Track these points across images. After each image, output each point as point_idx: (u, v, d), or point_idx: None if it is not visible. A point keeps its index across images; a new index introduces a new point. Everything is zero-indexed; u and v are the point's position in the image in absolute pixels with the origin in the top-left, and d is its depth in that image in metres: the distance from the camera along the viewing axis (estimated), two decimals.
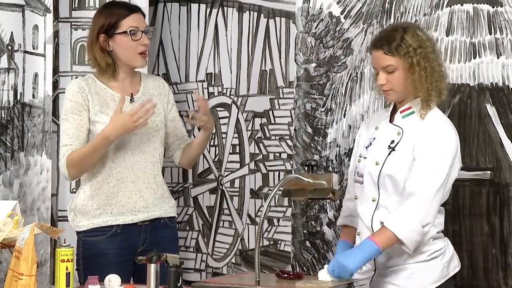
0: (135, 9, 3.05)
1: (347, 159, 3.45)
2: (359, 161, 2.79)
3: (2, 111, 3.63)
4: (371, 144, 2.78)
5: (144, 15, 3.10)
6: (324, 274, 2.60)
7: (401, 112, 2.74)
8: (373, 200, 2.72)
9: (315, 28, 3.54)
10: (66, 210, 3.17)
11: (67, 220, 3.16)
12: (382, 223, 2.65)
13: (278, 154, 3.74)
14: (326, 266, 2.62)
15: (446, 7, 3.24)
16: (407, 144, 2.69)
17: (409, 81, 2.67)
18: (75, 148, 2.96)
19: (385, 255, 2.71)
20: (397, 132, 2.72)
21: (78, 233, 3.06)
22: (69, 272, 2.57)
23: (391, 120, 2.77)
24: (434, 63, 2.70)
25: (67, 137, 2.97)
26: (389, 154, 2.70)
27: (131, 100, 3.04)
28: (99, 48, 3.01)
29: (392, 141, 2.71)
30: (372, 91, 3.39)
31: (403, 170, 2.67)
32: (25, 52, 3.72)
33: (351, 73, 3.47)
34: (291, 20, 3.69)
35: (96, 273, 2.60)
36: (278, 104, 3.75)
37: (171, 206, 3.15)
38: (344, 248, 2.79)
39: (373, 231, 2.69)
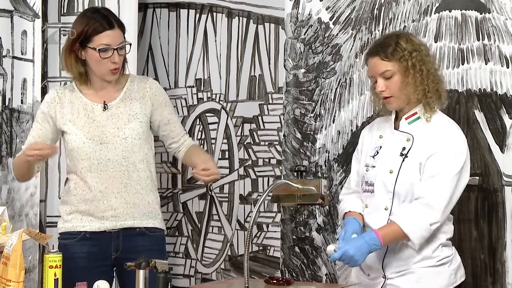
0: (112, 25, 2.98)
1: (336, 164, 3.46)
2: (367, 170, 2.77)
3: None
4: (377, 153, 2.77)
5: (123, 30, 3.02)
6: (331, 251, 2.60)
7: (406, 118, 2.74)
8: (385, 209, 2.72)
9: (304, 34, 3.55)
10: (55, 216, 3.18)
11: (56, 226, 3.17)
12: (389, 219, 2.66)
13: (267, 160, 3.74)
14: (334, 247, 2.59)
15: (434, 13, 3.25)
16: (419, 149, 2.69)
17: (406, 84, 2.69)
18: None
19: (395, 260, 2.71)
20: (406, 139, 2.72)
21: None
22: (58, 278, 2.57)
23: (396, 127, 2.77)
24: (430, 65, 2.72)
25: (26, 142, 3.11)
26: (402, 161, 2.69)
27: (104, 108, 3.05)
28: (73, 55, 3.01)
29: (404, 148, 2.71)
30: (361, 97, 3.40)
31: (418, 176, 2.67)
32: (14, 57, 3.71)
33: (340, 79, 3.47)
34: (280, 26, 3.70)
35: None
36: (267, 109, 3.75)
37: (151, 216, 3.08)
38: (355, 226, 2.73)
39: None
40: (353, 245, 2.59)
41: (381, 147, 2.77)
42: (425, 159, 2.66)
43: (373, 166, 2.75)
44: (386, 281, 2.73)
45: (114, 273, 3.08)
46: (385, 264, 2.73)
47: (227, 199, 3.86)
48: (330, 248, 2.58)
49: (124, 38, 3.02)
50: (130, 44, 3.05)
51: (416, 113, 2.73)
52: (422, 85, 2.69)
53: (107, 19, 2.99)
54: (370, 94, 2.87)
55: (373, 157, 2.77)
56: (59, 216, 3.13)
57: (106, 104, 3.05)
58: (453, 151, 2.66)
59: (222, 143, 3.89)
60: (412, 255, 2.69)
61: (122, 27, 3.02)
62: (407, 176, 2.67)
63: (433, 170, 2.64)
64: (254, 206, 3.75)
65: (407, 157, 2.69)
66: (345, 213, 2.83)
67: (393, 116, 2.79)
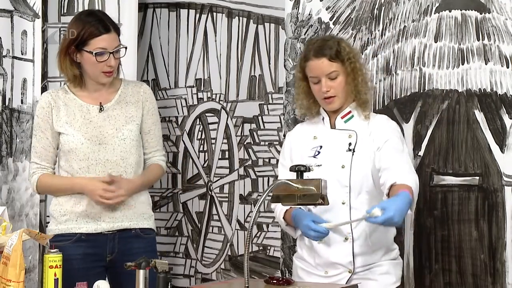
0: (109, 29, 3.00)
1: None
2: (312, 170, 2.80)
3: None
4: (319, 152, 2.84)
5: (118, 33, 3.04)
6: (377, 213, 2.52)
7: (342, 117, 2.86)
8: (343, 203, 2.77)
9: (304, 34, 3.55)
10: None
11: None
12: (392, 184, 2.61)
13: (267, 160, 3.74)
14: (379, 211, 2.49)
15: (434, 13, 3.25)
16: (364, 143, 2.79)
17: (346, 84, 2.81)
18: (44, 168, 3.08)
19: (365, 254, 2.77)
20: (348, 135, 2.83)
21: None
22: (58, 278, 2.57)
23: (331, 127, 2.87)
24: (364, 68, 2.91)
25: (35, 155, 3.09)
26: (352, 156, 2.79)
27: (100, 109, 3.05)
28: (68, 58, 3.02)
29: (350, 143, 2.81)
30: None
31: (369, 168, 2.76)
32: (14, 57, 3.71)
33: None
34: (280, 26, 3.70)
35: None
36: (267, 109, 3.75)
37: (146, 217, 3.11)
38: (308, 214, 2.75)
39: (352, 231, 2.75)
40: (397, 209, 2.49)
41: (321, 146, 2.85)
42: (380, 147, 2.75)
43: (319, 165, 2.80)
44: (353, 275, 2.76)
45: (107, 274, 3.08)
46: (356, 258, 2.76)
47: (227, 199, 3.86)
48: (377, 212, 2.51)
49: (119, 41, 3.03)
50: (126, 48, 3.06)
51: (350, 111, 2.86)
52: (358, 86, 2.83)
53: (103, 23, 3.00)
54: (296, 96, 2.95)
55: (315, 157, 2.83)
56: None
57: (102, 106, 3.05)
58: (400, 139, 2.82)
59: (222, 143, 3.89)
60: (379, 247, 2.77)
61: (117, 31, 3.04)
62: (359, 169, 2.77)
63: (393, 151, 2.74)
64: (254, 206, 3.75)
65: (355, 151, 2.79)
66: (286, 211, 2.85)
67: (326, 117, 2.88)
